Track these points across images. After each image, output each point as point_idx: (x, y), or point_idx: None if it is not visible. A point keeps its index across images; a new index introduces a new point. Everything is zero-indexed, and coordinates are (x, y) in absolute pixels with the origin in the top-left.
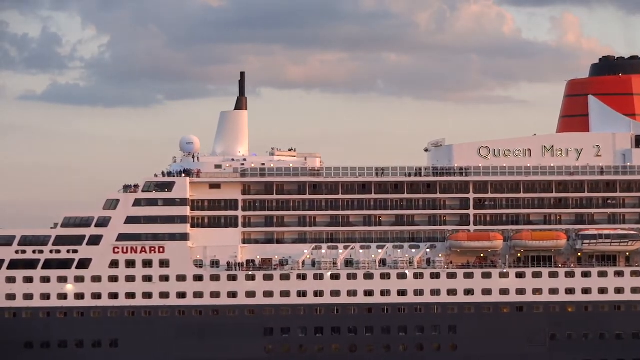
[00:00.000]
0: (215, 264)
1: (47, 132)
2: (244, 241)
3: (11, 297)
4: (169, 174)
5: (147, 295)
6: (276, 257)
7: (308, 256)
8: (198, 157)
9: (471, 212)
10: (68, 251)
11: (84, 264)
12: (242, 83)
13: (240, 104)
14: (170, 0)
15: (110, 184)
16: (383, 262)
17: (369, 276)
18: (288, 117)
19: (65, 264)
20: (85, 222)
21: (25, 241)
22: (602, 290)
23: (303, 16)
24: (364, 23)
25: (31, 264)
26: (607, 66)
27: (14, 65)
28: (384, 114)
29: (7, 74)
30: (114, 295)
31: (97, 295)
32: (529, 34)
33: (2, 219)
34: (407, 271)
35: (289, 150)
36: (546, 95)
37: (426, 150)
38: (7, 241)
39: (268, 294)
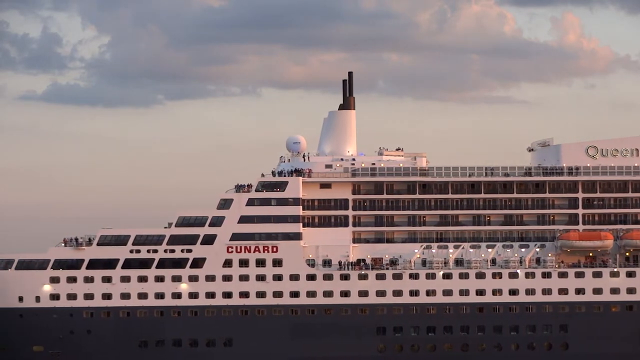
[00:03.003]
0: (327, 263)
1: (47, 132)
2: (354, 240)
3: (126, 296)
4: (280, 173)
5: (261, 294)
6: (386, 256)
7: (418, 255)
8: (308, 157)
9: (580, 211)
10: (182, 250)
11: (197, 263)
12: (350, 83)
13: (348, 104)
14: (170, 1)
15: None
16: (493, 262)
17: (480, 275)
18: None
19: (179, 263)
20: (199, 222)
21: (140, 240)
22: None
23: (303, 16)
24: (365, 23)
25: (145, 264)
26: None
27: (14, 65)
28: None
29: (7, 74)
30: (227, 295)
31: (211, 295)
32: (530, 34)
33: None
34: (518, 270)
35: (396, 149)
36: (547, 95)
37: (530, 149)
38: (121, 240)
39: (380, 293)
